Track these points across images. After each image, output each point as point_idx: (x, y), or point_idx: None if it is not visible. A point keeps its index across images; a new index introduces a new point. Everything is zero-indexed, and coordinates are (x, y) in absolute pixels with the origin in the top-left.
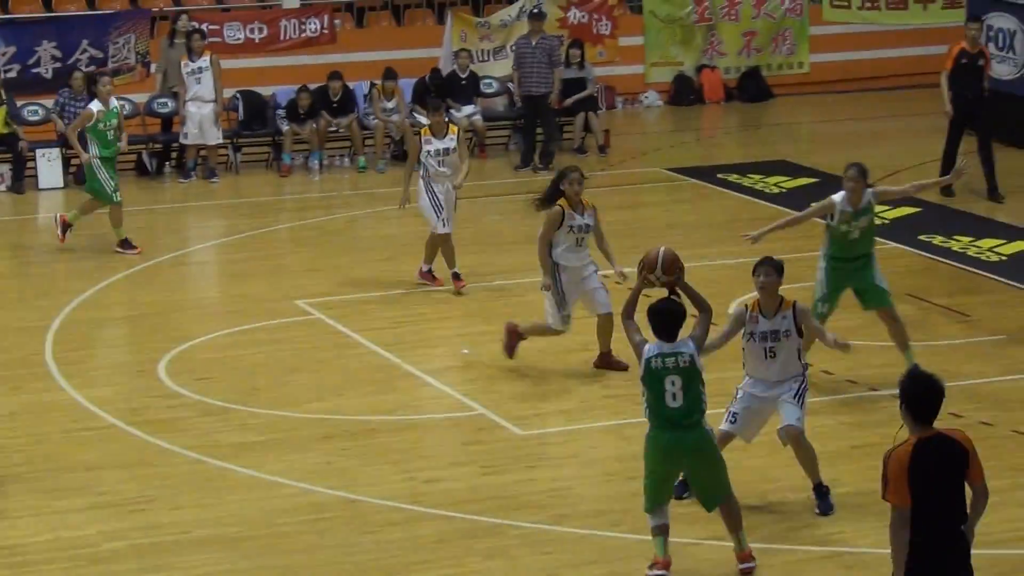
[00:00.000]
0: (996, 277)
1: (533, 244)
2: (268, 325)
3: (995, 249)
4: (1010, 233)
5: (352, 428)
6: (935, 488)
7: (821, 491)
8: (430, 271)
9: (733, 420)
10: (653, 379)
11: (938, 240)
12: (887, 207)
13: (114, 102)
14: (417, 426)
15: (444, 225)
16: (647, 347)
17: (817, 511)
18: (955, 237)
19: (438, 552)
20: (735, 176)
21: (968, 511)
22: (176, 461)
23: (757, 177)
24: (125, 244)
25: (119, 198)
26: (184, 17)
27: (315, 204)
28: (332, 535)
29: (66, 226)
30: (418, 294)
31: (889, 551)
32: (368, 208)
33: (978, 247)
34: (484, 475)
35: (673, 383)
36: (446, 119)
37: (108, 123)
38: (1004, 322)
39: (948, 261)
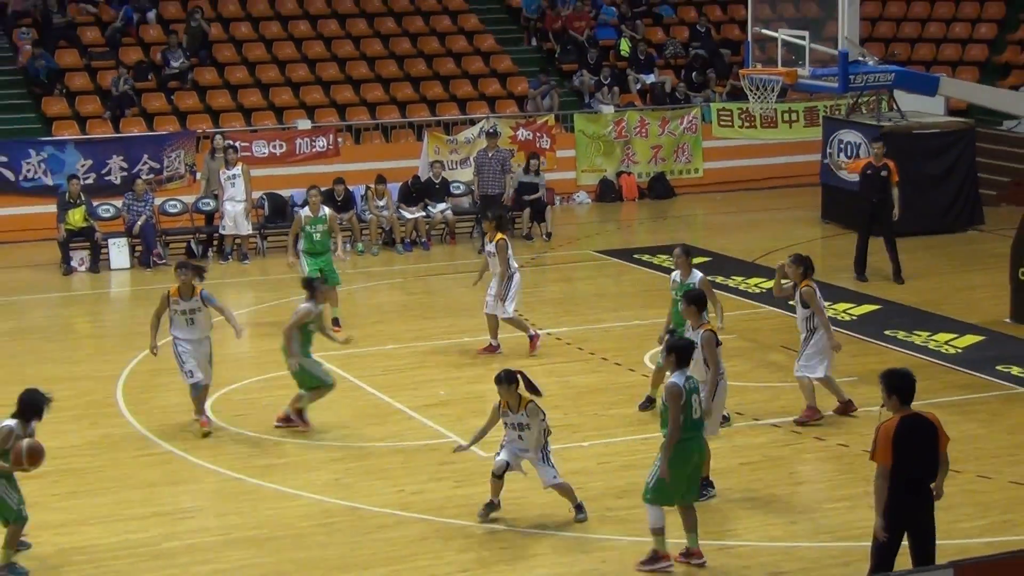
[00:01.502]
0: (849, 332)
1: None
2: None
3: (848, 311)
4: (859, 298)
5: (354, 452)
6: (912, 453)
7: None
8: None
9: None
10: (687, 399)
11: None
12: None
13: (324, 210)
14: (405, 450)
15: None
16: (675, 376)
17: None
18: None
19: (423, 547)
20: (647, 256)
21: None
22: (218, 479)
23: (664, 257)
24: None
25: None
26: (221, 136)
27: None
28: (339, 535)
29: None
30: (405, 349)
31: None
32: (364, 283)
33: (835, 309)
34: (457, 488)
35: (695, 399)
36: (495, 228)
37: (314, 227)
38: (855, 367)
39: None
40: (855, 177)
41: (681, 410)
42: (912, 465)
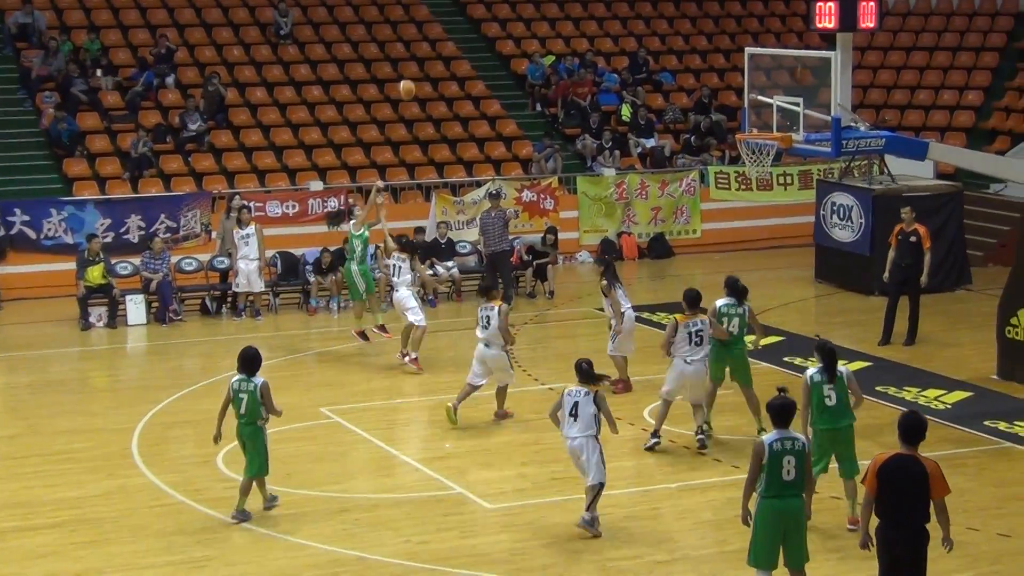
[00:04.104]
0: None
1: None
2: (299, 426)
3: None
4: (850, 356)
5: (362, 503)
6: (896, 490)
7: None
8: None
9: None
10: (774, 459)
11: (798, 361)
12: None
13: (363, 229)
14: (411, 501)
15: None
16: (768, 435)
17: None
18: (810, 359)
19: None
20: (647, 313)
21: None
22: (230, 529)
23: (663, 314)
24: (362, 335)
25: (363, 297)
26: (236, 197)
27: (334, 336)
28: None
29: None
30: (411, 402)
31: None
32: (373, 338)
33: None
34: (462, 538)
35: (787, 461)
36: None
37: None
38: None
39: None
40: (850, 236)
41: (761, 469)
42: (894, 502)
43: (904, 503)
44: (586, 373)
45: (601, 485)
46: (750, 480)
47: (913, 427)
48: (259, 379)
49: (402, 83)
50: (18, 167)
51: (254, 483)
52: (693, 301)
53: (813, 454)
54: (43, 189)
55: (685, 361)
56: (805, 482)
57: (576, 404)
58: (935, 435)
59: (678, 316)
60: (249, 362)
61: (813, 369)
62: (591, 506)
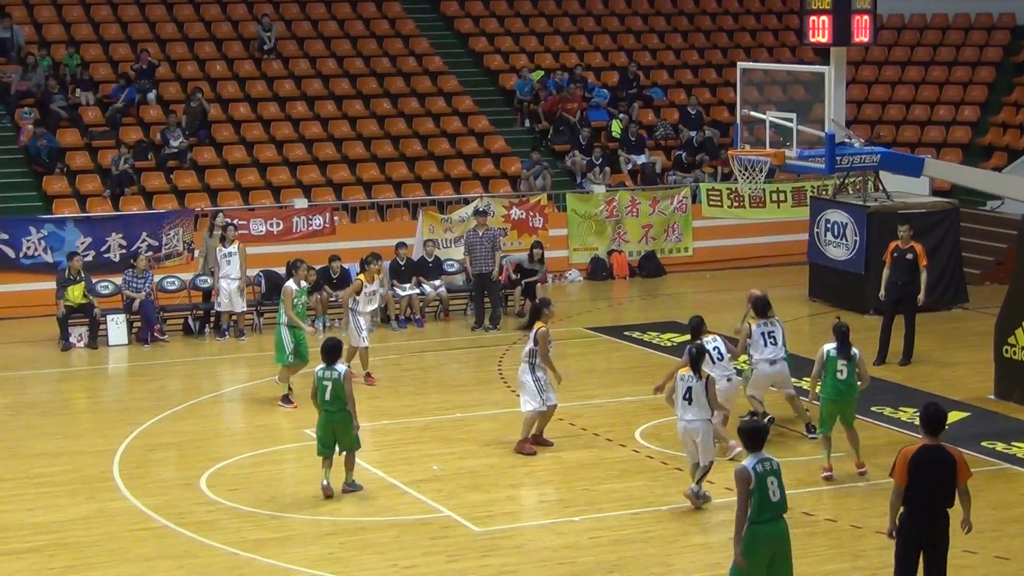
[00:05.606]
0: None
1: (485, 385)
2: (283, 448)
3: None
4: None
5: (348, 527)
6: (926, 478)
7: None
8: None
9: None
10: (760, 482)
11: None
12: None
13: (303, 283)
14: (398, 524)
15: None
16: (747, 460)
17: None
18: (804, 379)
19: None
20: (637, 333)
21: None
22: (213, 553)
23: (654, 334)
24: (285, 399)
25: (289, 361)
26: (220, 215)
27: (318, 357)
28: None
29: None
30: (396, 424)
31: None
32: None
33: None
34: (449, 562)
35: (770, 482)
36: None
37: (299, 298)
38: (842, 443)
39: (803, 398)
40: (844, 254)
41: (750, 495)
42: (926, 491)
43: (935, 491)
44: (695, 361)
45: (711, 463)
46: (742, 510)
47: (935, 417)
48: (341, 367)
49: None
50: None
51: (344, 461)
52: (763, 309)
53: (820, 419)
54: (22, 207)
55: (769, 363)
56: (784, 502)
57: (690, 389)
58: None
59: (751, 319)
60: (330, 352)
61: (830, 346)
62: (700, 480)
